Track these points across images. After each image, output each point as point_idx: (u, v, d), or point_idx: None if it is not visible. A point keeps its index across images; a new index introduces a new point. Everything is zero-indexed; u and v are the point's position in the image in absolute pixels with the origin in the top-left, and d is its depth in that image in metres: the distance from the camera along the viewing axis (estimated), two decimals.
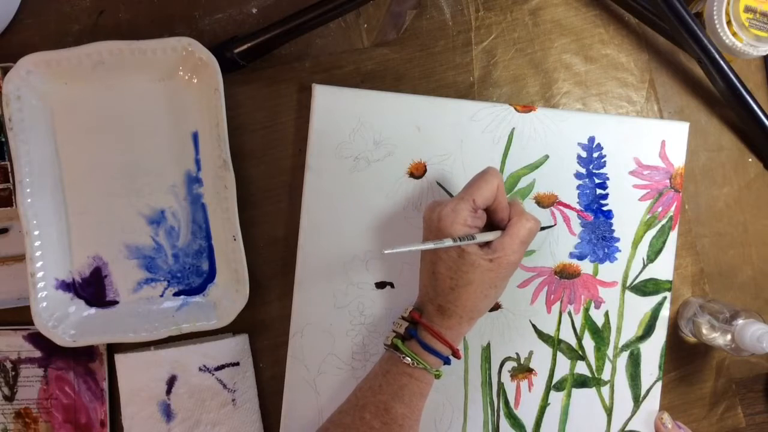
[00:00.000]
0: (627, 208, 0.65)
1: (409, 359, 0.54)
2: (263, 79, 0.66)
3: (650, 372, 0.65)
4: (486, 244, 0.55)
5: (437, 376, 0.55)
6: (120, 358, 0.62)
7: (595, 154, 0.64)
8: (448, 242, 0.53)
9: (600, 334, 0.65)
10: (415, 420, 0.55)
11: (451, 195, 0.64)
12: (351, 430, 0.54)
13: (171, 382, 0.62)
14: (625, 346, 0.65)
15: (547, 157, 0.64)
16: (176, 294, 0.64)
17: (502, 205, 0.56)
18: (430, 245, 0.53)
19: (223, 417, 0.63)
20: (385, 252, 0.51)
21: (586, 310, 0.65)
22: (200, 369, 0.63)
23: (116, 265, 0.64)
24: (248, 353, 0.64)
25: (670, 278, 0.65)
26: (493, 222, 0.57)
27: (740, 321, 0.59)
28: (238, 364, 0.64)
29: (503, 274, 0.55)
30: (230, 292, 0.63)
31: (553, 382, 0.65)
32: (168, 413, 0.63)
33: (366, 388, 0.56)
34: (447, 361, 0.56)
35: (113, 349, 0.64)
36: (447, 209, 0.54)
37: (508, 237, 0.54)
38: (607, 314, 0.65)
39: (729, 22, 0.62)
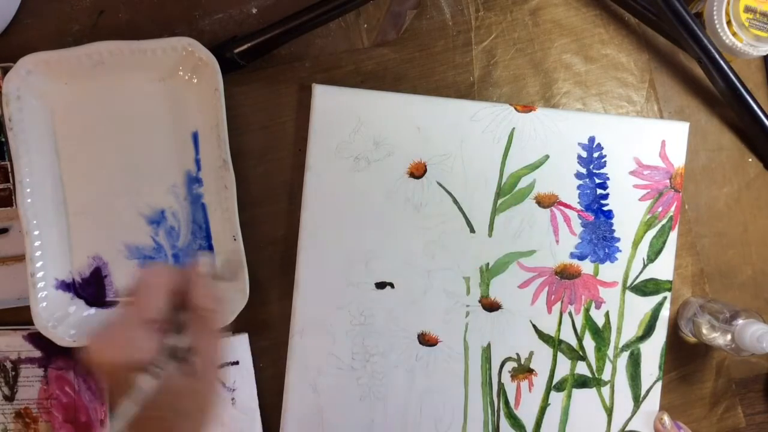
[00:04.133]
0: (627, 208, 0.65)
1: None
2: (263, 79, 0.66)
3: (650, 372, 0.65)
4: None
5: None
6: None
7: (596, 154, 0.64)
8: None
9: (600, 335, 0.65)
10: None
11: (451, 195, 0.64)
12: None
13: None
14: (626, 347, 0.65)
15: (547, 157, 0.64)
16: None
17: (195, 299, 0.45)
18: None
19: (223, 416, 0.63)
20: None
21: (587, 310, 0.65)
22: None
23: (116, 265, 0.64)
24: (248, 352, 0.64)
25: (671, 278, 0.65)
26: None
27: (740, 321, 0.59)
28: (237, 363, 0.64)
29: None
30: (230, 292, 0.63)
31: (554, 382, 0.65)
32: None
33: None
34: None
35: None
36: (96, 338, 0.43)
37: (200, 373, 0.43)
38: (607, 314, 0.65)
39: (729, 22, 0.62)
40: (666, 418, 0.64)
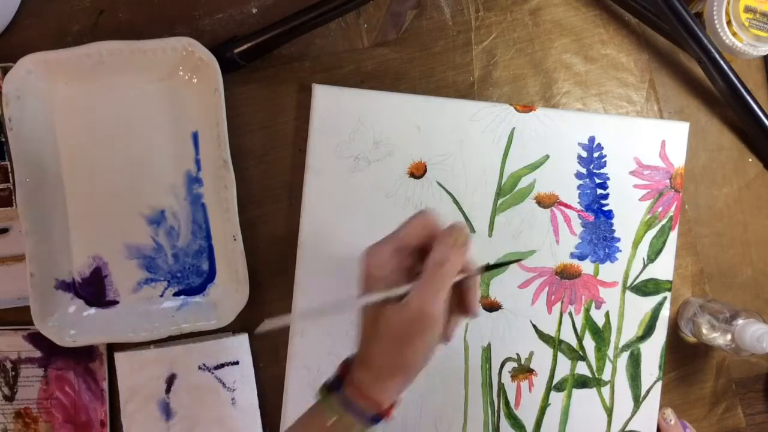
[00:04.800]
0: (627, 208, 0.65)
1: (331, 414, 0.48)
2: (263, 79, 0.66)
3: (650, 372, 0.65)
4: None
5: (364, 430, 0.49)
6: (120, 357, 0.62)
7: (596, 154, 0.64)
8: (321, 310, 0.46)
9: (600, 335, 0.65)
10: None
11: (451, 195, 0.64)
12: None
13: (170, 380, 0.63)
14: (626, 347, 0.65)
15: (547, 157, 0.64)
16: (176, 294, 0.64)
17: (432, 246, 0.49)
18: (323, 311, 0.47)
19: (223, 416, 0.63)
20: (257, 332, 0.47)
21: (587, 310, 0.65)
22: (200, 368, 0.63)
23: (116, 265, 0.64)
24: (248, 352, 0.64)
25: (670, 278, 0.65)
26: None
27: (740, 321, 0.59)
28: (237, 363, 0.64)
29: (416, 328, 0.46)
30: (230, 292, 0.63)
31: (554, 382, 0.65)
32: (167, 412, 0.63)
33: (298, 425, 0.50)
34: (373, 420, 0.48)
35: (113, 348, 0.64)
36: (368, 249, 0.48)
37: (416, 288, 0.46)
38: (607, 314, 0.65)
39: (729, 22, 0.62)
40: (670, 414, 0.64)
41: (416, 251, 0.49)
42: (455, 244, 0.47)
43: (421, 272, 0.47)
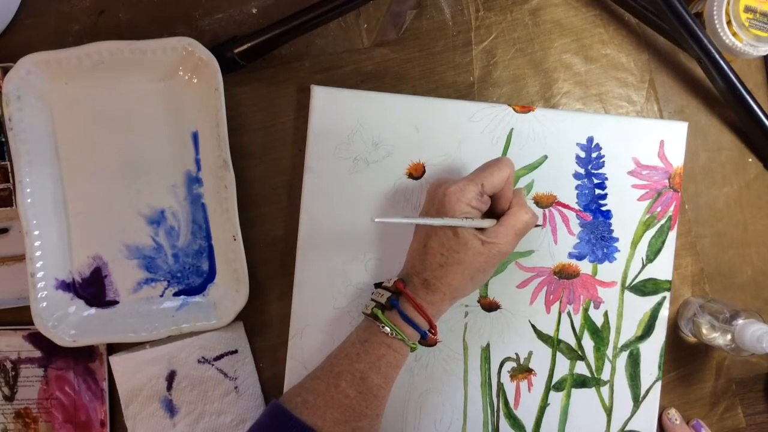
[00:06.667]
0: (626, 208, 0.65)
1: (389, 329, 0.54)
2: (263, 79, 0.66)
3: (650, 372, 0.65)
4: (481, 229, 0.55)
5: (413, 349, 0.56)
6: (115, 360, 0.62)
7: (594, 155, 0.64)
8: (442, 221, 0.53)
9: (599, 334, 0.65)
10: (388, 391, 0.56)
11: None
12: (325, 397, 0.53)
13: (171, 377, 0.63)
14: (625, 346, 0.65)
15: (545, 157, 0.64)
16: (176, 294, 0.64)
17: (507, 195, 0.57)
18: (426, 220, 0.53)
19: (228, 405, 0.64)
20: (376, 220, 0.50)
21: (586, 310, 0.65)
22: (199, 361, 0.63)
23: (116, 265, 0.64)
24: (245, 340, 0.65)
25: (669, 278, 0.65)
26: (495, 208, 0.58)
27: (740, 321, 0.59)
28: (236, 351, 0.64)
29: (493, 261, 0.55)
30: (230, 292, 0.63)
31: (553, 382, 0.65)
32: (171, 409, 0.63)
33: (342, 356, 0.55)
34: (424, 336, 0.56)
35: (113, 348, 0.64)
36: (455, 187, 0.54)
37: (503, 227, 0.55)
38: (606, 314, 0.65)
39: (729, 22, 0.62)
40: (675, 414, 0.64)
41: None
42: (525, 203, 0.58)
43: (501, 218, 0.56)
